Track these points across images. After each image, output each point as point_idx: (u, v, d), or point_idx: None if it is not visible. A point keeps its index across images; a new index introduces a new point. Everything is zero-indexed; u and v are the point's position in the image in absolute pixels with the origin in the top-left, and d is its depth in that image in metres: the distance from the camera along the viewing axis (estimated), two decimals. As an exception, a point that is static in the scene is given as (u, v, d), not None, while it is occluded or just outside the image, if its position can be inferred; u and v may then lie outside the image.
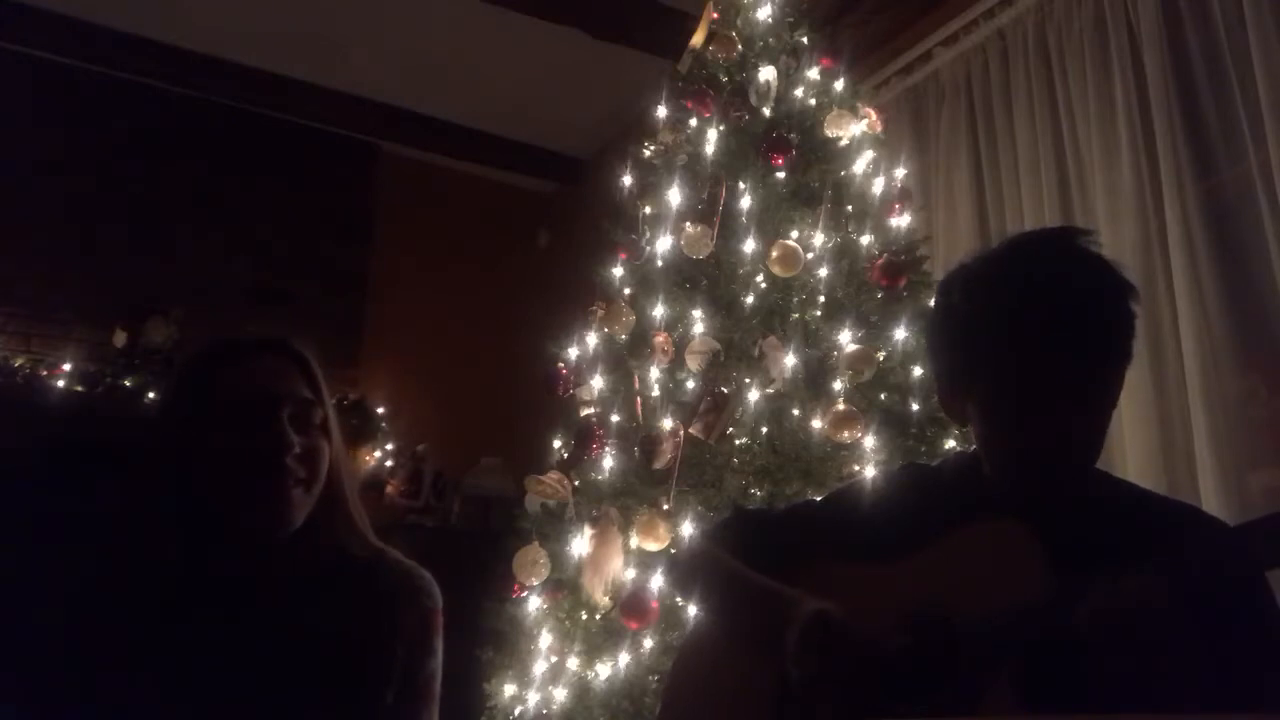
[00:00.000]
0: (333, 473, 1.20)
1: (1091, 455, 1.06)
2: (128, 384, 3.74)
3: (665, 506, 1.93)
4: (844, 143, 2.36)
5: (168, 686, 1.06)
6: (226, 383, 1.16)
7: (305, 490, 1.15)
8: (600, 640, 1.97)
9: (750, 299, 2.16)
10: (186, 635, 1.09)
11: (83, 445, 3.52)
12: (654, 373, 2.18)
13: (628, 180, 2.52)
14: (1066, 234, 1.08)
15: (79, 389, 3.71)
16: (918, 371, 2.07)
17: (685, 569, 1.38)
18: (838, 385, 1.99)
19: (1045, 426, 1.02)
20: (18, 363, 3.70)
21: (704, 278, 2.25)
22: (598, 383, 2.29)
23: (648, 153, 2.56)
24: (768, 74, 2.34)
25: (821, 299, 2.14)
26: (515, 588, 2.20)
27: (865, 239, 2.24)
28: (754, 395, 2.03)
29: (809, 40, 2.50)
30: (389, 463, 4.24)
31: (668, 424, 2.05)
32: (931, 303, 1.22)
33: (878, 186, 2.33)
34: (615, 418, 2.21)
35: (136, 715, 1.05)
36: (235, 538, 1.14)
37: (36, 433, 3.51)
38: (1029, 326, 1.00)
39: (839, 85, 2.45)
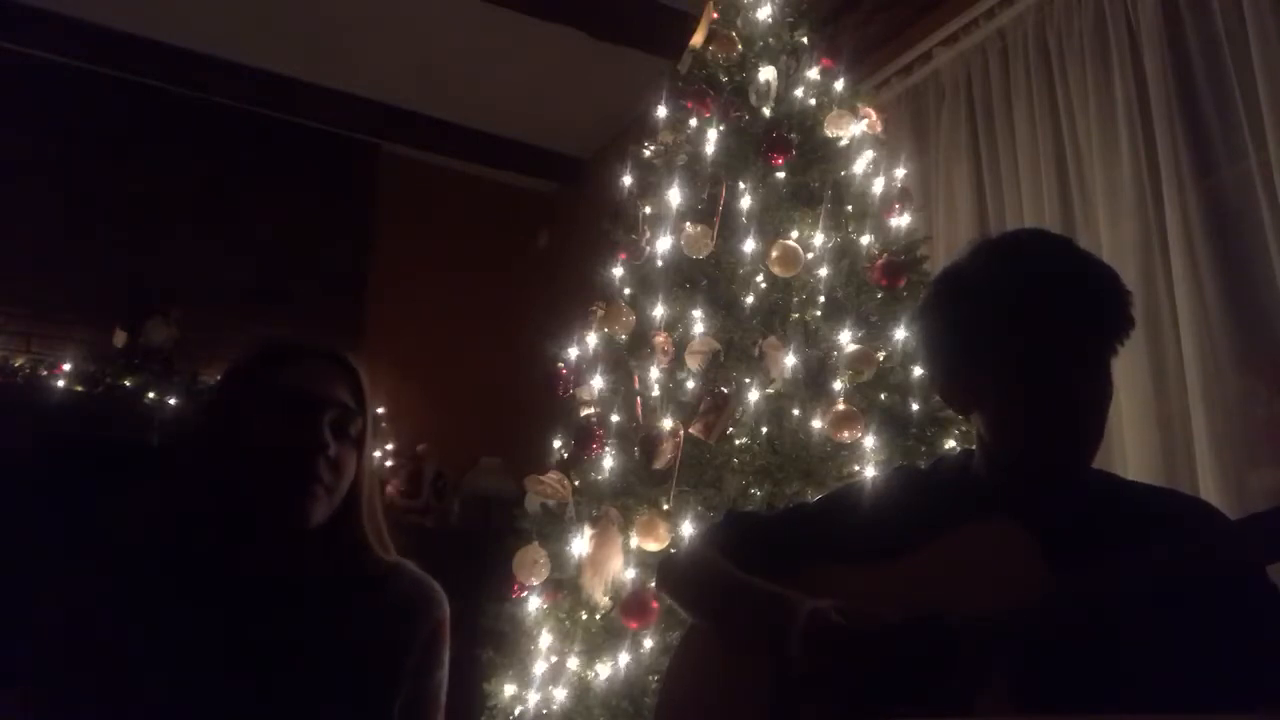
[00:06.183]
0: (357, 484, 1.21)
1: (1094, 432, 1.08)
2: (128, 384, 3.75)
3: (665, 506, 1.93)
4: (844, 143, 2.36)
5: (173, 687, 1.05)
6: (278, 379, 1.17)
7: (327, 495, 1.16)
8: (600, 640, 1.97)
9: (750, 299, 2.16)
10: (197, 633, 1.08)
11: (83, 445, 3.54)
12: (654, 373, 2.18)
13: (628, 180, 2.52)
14: (1049, 234, 1.19)
15: (79, 389, 3.72)
16: (918, 371, 2.07)
17: (679, 572, 1.38)
18: (838, 385, 1.98)
19: (1052, 393, 1.05)
20: (18, 363, 3.71)
21: (704, 278, 2.25)
22: (598, 383, 2.29)
23: (648, 153, 2.56)
24: (768, 74, 2.34)
25: (821, 299, 2.14)
26: (515, 588, 2.19)
27: (865, 239, 2.24)
28: (754, 395, 2.02)
29: (809, 40, 2.50)
30: (389, 463, 4.24)
31: (668, 424, 2.04)
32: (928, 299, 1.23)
33: (878, 186, 2.33)
34: (615, 418, 2.21)
35: (142, 714, 1.04)
36: (258, 536, 1.15)
37: (36, 433, 3.52)
38: (1031, 303, 1.06)
39: (839, 85, 2.45)
